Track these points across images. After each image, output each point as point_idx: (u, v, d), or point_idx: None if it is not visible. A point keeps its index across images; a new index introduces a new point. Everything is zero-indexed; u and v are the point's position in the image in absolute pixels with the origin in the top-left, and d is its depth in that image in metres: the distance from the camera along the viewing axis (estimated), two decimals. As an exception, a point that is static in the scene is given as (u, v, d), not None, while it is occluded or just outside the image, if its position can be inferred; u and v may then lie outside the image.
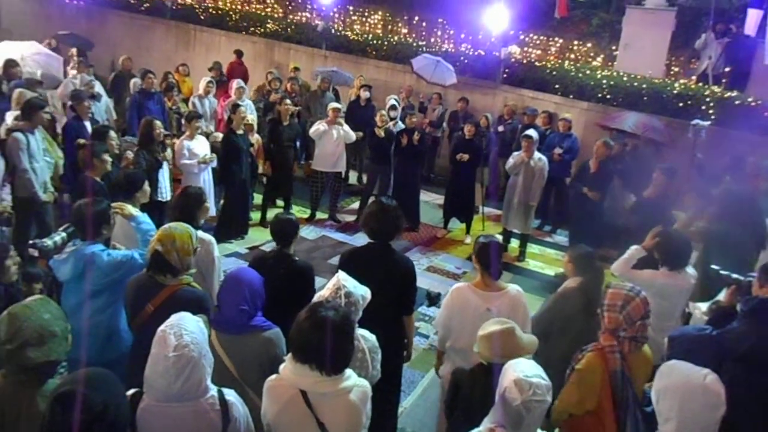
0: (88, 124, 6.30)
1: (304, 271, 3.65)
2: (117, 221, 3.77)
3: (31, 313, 2.18)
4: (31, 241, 3.75)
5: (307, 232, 7.76)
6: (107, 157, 4.69)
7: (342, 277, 2.85)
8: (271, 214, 7.30)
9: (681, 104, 9.12)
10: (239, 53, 11.53)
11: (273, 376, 2.39)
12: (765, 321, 2.95)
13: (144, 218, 3.64)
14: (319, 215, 8.22)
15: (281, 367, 2.37)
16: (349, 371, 2.36)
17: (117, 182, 4.21)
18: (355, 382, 2.35)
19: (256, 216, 7.67)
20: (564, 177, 8.41)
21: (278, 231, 3.67)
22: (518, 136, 8.28)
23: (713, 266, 4.09)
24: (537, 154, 7.16)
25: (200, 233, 3.79)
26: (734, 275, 3.62)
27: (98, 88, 7.91)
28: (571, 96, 9.86)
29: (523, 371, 2.26)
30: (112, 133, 5.38)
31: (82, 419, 1.65)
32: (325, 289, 2.82)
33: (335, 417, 2.30)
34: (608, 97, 9.62)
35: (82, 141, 5.32)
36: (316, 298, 2.78)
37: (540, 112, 9.22)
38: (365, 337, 2.84)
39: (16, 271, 3.19)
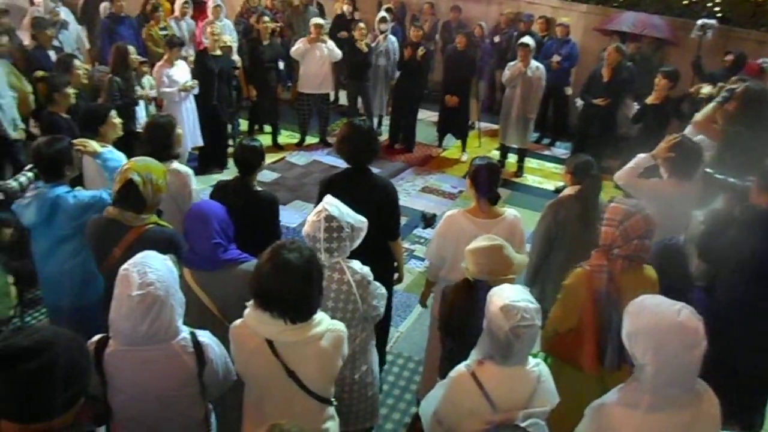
0: (52, 54, 5.91)
1: (267, 202, 3.42)
2: (87, 160, 3.51)
3: None
4: (-7, 184, 3.54)
5: (297, 158, 7.51)
6: (69, 90, 4.34)
7: (327, 200, 2.63)
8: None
9: (686, 2, 8.59)
10: None
11: (237, 321, 2.23)
12: (765, 235, 2.79)
13: (110, 154, 3.35)
14: (310, 140, 7.93)
15: (245, 312, 2.21)
16: (320, 316, 2.19)
17: (79, 118, 3.87)
18: (327, 327, 2.18)
19: (244, 144, 7.38)
20: (563, 86, 8.04)
21: (240, 159, 3.40)
22: (514, 44, 7.84)
23: (707, 170, 3.87)
24: (534, 63, 6.79)
25: (176, 164, 3.56)
26: (731, 179, 3.40)
27: (65, 15, 7.37)
28: (570, -1, 9.29)
29: (509, 297, 2.12)
30: (77, 62, 5.01)
31: (27, 344, 1.49)
32: (312, 213, 2.63)
33: (306, 365, 2.15)
34: (609, -2, 9.06)
35: (40, 73, 4.97)
36: (307, 223, 2.59)
37: (537, 17, 8.69)
38: (353, 269, 2.64)
39: None
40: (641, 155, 3.87)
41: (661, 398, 1.87)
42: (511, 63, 6.90)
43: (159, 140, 3.48)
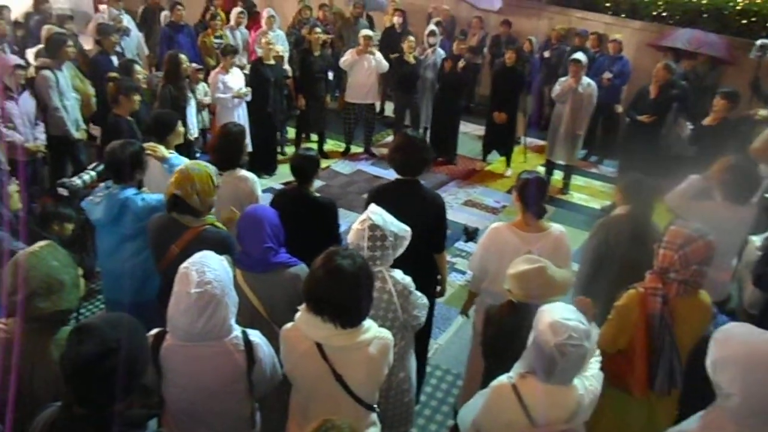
0: (114, 59, 6.16)
1: (326, 207, 3.51)
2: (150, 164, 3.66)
3: (37, 262, 2.08)
4: (59, 181, 3.72)
5: (342, 167, 7.61)
6: (135, 97, 4.53)
7: (372, 209, 2.67)
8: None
9: (744, 21, 8.34)
10: None
11: (289, 325, 2.29)
12: None
13: (177, 160, 3.50)
14: (355, 149, 8.02)
15: (297, 315, 2.26)
16: (368, 323, 2.23)
17: (147, 124, 4.01)
18: (375, 335, 2.22)
19: (291, 150, 7.52)
20: (613, 103, 7.91)
21: (297, 168, 3.50)
22: (566, 60, 7.77)
23: (767, 195, 3.76)
24: (585, 79, 6.70)
25: (243, 172, 3.70)
26: None
27: (127, 22, 7.70)
28: (623, 15, 9.14)
29: (560, 314, 2.10)
30: (138, 67, 5.24)
31: (95, 350, 1.62)
32: (357, 221, 2.67)
33: (353, 370, 2.20)
34: (664, 15, 8.87)
35: (113, 74, 5.19)
36: (351, 232, 2.64)
37: (589, 33, 8.60)
38: (395, 279, 2.67)
39: (20, 199, 3.13)
40: (694, 177, 3.79)
41: (746, 428, 1.83)
42: (563, 79, 6.83)
43: (231, 149, 3.63)
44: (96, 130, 5.76)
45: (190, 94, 5.87)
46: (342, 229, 5.82)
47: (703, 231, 2.61)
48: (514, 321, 2.55)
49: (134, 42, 7.68)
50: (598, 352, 2.36)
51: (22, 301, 2.02)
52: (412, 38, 7.61)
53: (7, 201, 2.86)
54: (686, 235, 2.57)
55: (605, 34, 8.62)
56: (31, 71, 5.45)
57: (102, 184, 3.29)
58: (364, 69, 7.41)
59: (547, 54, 8.82)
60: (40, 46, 5.81)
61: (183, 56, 5.71)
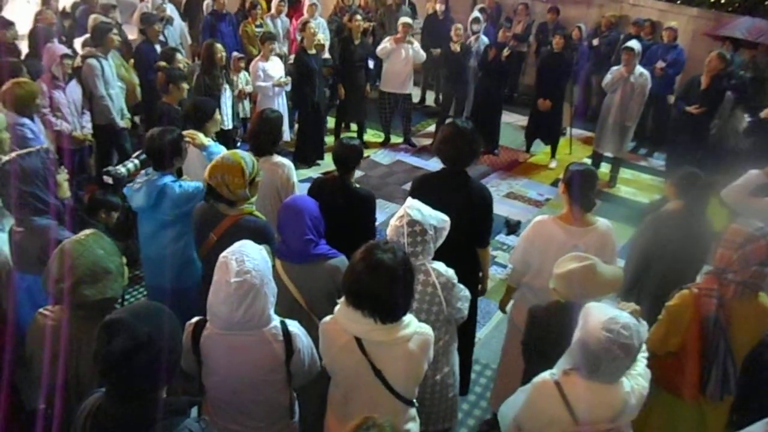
0: (158, 48, 6.22)
1: (365, 199, 3.44)
2: (190, 151, 3.68)
3: (83, 250, 2.09)
4: (104, 169, 3.77)
5: (381, 157, 7.55)
6: (184, 85, 4.57)
7: (409, 203, 2.61)
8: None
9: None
10: None
11: (328, 318, 2.26)
12: None
13: (216, 148, 3.51)
14: (394, 139, 7.94)
15: (336, 308, 2.22)
16: (408, 318, 2.18)
17: (185, 112, 4.02)
18: (415, 330, 2.16)
19: (330, 140, 7.50)
20: (666, 94, 7.60)
21: (339, 157, 3.44)
22: (618, 48, 7.49)
23: None
24: (638, 69, 6.43)
25: (279, 158, 3.70)
26: None
27: (170, 11, 7.77)
28: (679, 2, 8.77)
29: (610, 312, 2.01)
30: (179, 56, 5.29)
31: (125, 346, 1.60)
32: (394, 217, 2.61)
33: (393, 365, 2.15)
34: (722, 2, 8.48)
35: (162, 63, 5.25)
36: (389, 228, 2.59)
37: (645, 22, 8.27)
38: (438, 271, 2.60)
39: (68, 188, 3.16)
40: (752, 172, 3.58)
41: None
42: (615, 67, 6.59)
43: (268, 134, 3.62)
44: (138, 119, 5.85)
45: (225, 84, 5.85)
46: (381, 220, 5.82)
47: (765, 230, 2.48)
48: (561, 323, 2.44)
49: (177, 31, 7.74)
50: (645, 347, 2.25)
51: (69, 288, 2.03)
52: (459, 26, 7.46)
53: (56, 189, 2.90)
54: (746, 234, 2.45)
55: (659, 22, 8.29)
56: (78, 60, 5.55)
57: (143, 171, 3.32)
58: (400, 58, 7.27)
59: (595, 42, 8.54)
60: (87, 35, 5.91)
61: (219, 45, 5.71)
